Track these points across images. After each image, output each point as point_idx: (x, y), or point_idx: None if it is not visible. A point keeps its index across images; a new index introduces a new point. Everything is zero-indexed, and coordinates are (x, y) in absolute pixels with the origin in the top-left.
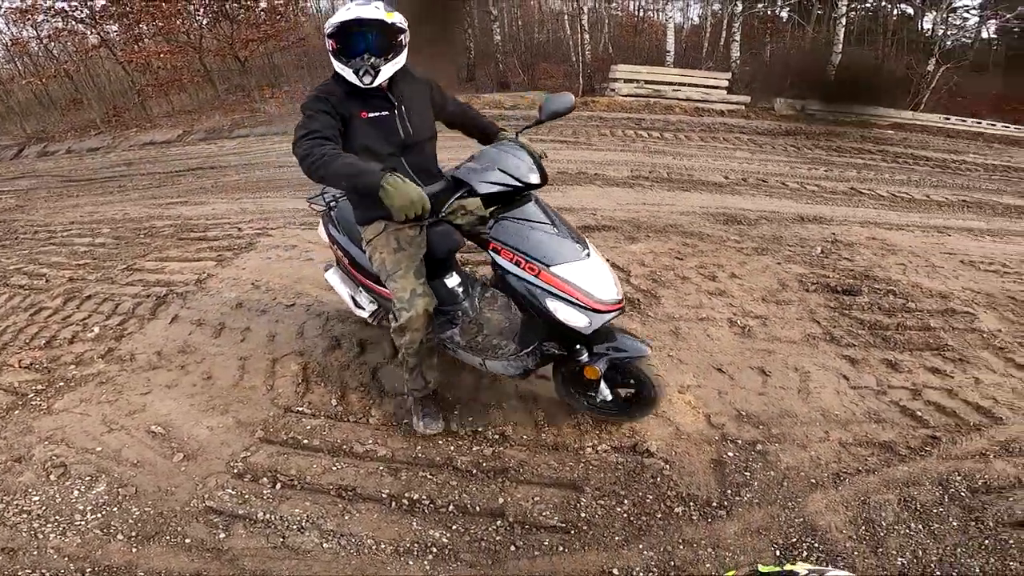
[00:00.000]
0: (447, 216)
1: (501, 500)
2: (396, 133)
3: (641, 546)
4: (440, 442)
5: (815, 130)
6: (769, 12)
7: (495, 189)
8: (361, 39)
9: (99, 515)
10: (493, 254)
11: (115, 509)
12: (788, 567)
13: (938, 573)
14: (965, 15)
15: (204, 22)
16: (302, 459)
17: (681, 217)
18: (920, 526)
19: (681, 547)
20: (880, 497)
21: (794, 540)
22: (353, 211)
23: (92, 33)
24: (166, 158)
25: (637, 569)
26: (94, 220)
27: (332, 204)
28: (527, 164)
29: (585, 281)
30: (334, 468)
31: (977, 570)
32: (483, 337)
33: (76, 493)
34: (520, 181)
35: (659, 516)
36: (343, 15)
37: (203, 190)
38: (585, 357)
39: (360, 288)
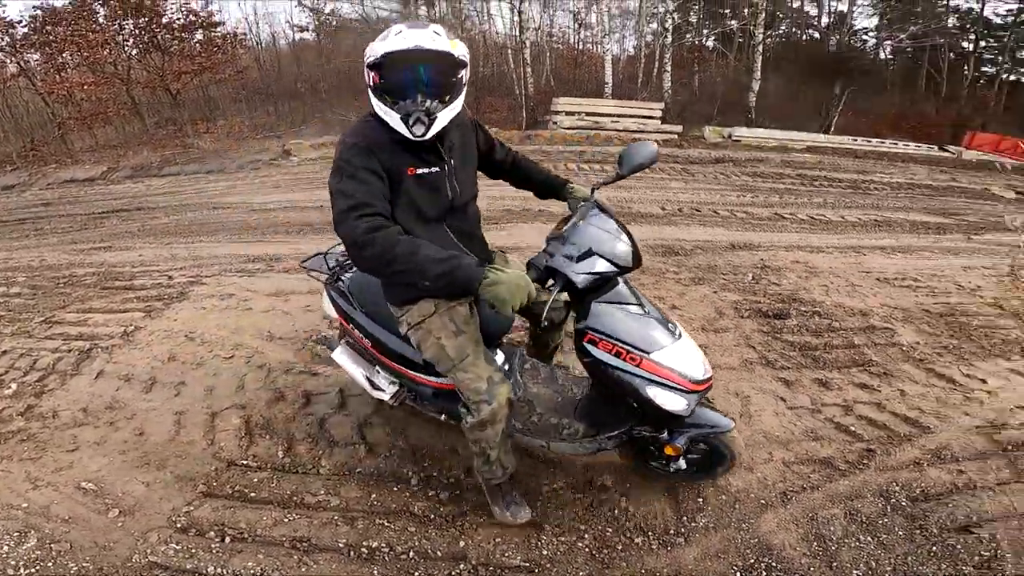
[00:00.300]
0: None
1: (462, 543)
2: (444, 195)
3: None
4: (395, 490)
5: (741, 157)
6: (696, 42)
7: (594, 280)
8: (415, 75)
9: (33, 570)
10: (589, 346)
11: (50, 564)
12: None
13: None
14: (864, 37)
15: (133, 52)
16: (251, 512)
17: None
18: (869, 538)
19: None
20: (827, 512)
21: (752, 561)
22: (383, 288)
23: (11, 62)
24: (88, 198)
25: None
26: (8, 268)
27: (337, 271)
28: (624, 243)
29: (681, 363)
30: (286, 520)
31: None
32: (538, 417)
33: (6, 548)
34: (618, 266)
35: (620, 548)
36: (395, 42)
37: (129, 234)
38: (665, 435)
39: (377, 368)
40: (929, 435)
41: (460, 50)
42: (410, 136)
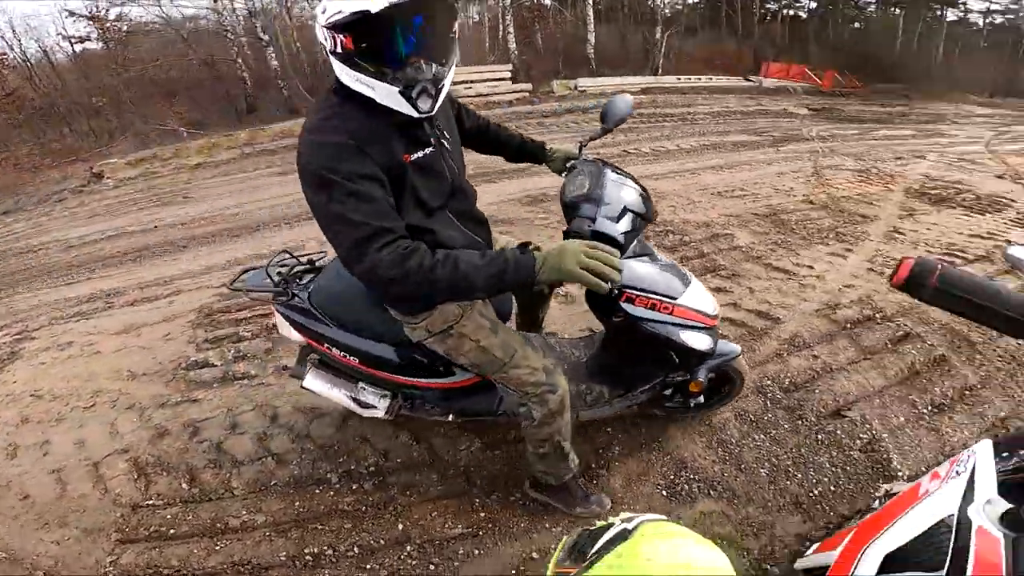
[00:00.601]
0: None
1: (401, 527)
2: (444, 178)
3: (547, 524)
4: (318, 492)
5: (588, 105)
6: (535, 1)
7: (631, 238)
8: (414, 33)
9: None
10: (627, 305)
11: None
12: (611, 519)
13: (798, 476)
14: None
15: None
16: (178, 548)
17: (490, 207)
18: (762, 435)
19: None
20: (719, 418)
21: (672, 478)
22: (388, 297)
23: None
24: None
25: (553, 546)
26: None
27: (286, 286)
28: (645, 196)
29: (700, 303)
30: (218, 548)
31: (826, 464)
32: None
33: None
34: (645, 219)
35: None
36: None
37: None
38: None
39: (361, 384)
40: (781, 325)
41: None
42: (414, 113)
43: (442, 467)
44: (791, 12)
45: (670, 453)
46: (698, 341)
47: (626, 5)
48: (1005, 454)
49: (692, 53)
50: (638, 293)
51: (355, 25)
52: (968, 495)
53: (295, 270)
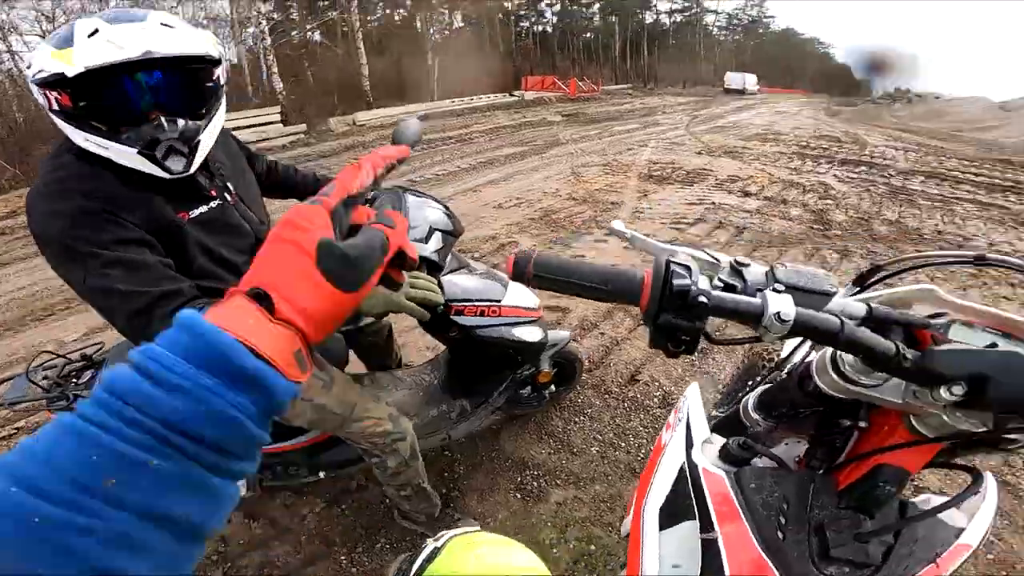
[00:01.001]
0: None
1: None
2: (239, 233)
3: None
4: None
5: (368, 140)
6: (304, 37)
7: (445, 256)
8: (140, 88)
9: None
10: (457, 317)
11: None
12: (428, 542)
13: (623, 444)
14: (442, 9)
15: None
16: None
17: None
18: (581, 417)
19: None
20: (540, 411)
21: (519, 479)
22: None
23: None
24: None
25: None
26: None
27: (63, 390)
28: (445, 212)
29: (522, 299)
30: None
31: (639, 427)
32: (419, 419)
33: None
34: (453, 235)
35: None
36: (98, 50)
37: None
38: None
39: None
40: (571, 313)
41: (209, 44)
42: (164, 175)
43: (293, 537)
44: (539, 28)
45: (509, 457)
46: (530, 334)
47: (397, 35)
48: (738, 397)
49: (463, 75)
50: (465, 304)
51: (59, 84)
52: (689, 439)
53: (67, 369)
